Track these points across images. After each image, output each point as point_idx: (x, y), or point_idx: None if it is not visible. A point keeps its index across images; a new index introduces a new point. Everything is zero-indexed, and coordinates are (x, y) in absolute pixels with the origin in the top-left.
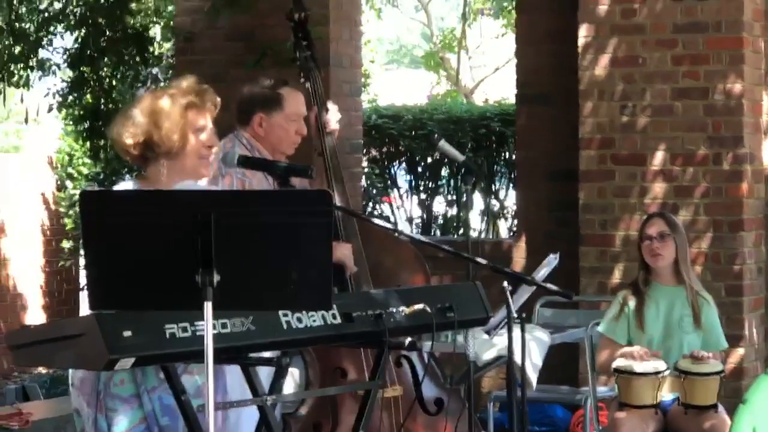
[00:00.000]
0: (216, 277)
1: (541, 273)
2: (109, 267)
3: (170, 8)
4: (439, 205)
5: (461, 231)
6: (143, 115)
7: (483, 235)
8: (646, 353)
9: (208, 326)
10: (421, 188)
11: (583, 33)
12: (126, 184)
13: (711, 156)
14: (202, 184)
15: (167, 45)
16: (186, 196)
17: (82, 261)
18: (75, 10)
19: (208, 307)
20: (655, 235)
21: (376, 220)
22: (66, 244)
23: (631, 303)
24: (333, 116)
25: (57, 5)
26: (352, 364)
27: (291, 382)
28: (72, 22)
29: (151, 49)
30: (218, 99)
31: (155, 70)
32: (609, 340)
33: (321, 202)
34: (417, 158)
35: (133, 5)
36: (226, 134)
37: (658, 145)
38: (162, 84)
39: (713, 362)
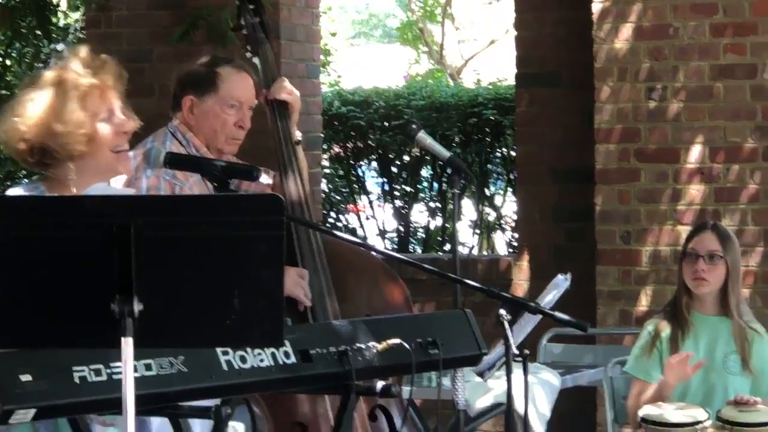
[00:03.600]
0: (137, 306)
1: (548, 298)
2: (2, 295)
3: None
4: (419, 215)
5: (447, 246)
6: (32, 117)
7: (475, 252)
8: (685, 360)
9: (127, 368)
10: (397, 193)
11: None
12: (16, 190)
13: (760, 150)
14: (118, 187)
15: (75, 14)
16: (98, 203)
17: None
18: None
19: (127, 343)
20: (703, 253)
21: (340, 234)
22: None
23: (665, 334)
24: (282, 88)
25: None
26: (314, 416)
27: None
28: None
29: (54, 20)
30: (124, 72)
31: (60, 47)
32: (639, 382)
33: (271, 209)
34: (391, 156)
35: None
36: (156, 126)
37: (695, 137)
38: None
39: (765, 410)
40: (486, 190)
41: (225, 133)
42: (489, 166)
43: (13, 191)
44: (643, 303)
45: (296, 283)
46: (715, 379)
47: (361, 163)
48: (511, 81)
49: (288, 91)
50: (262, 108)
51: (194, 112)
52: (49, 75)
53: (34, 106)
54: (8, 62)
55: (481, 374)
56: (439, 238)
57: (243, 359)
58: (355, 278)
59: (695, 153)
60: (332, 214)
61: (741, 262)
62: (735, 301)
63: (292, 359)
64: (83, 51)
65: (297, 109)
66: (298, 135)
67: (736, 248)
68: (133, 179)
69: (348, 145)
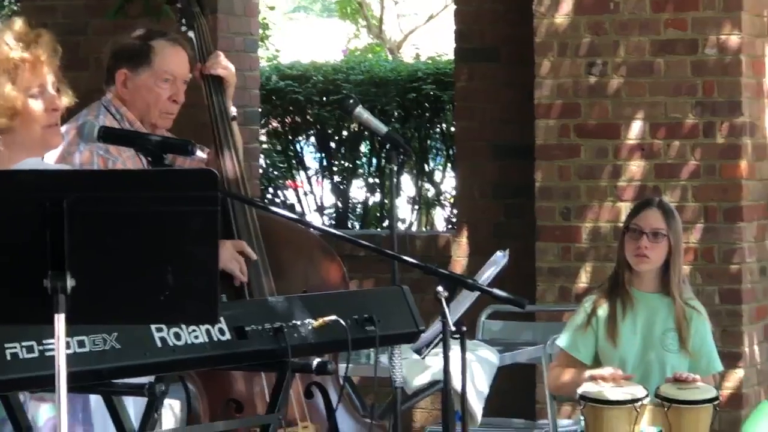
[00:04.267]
0: (70, 282)
1: (487, 275)
2: None
3: None
4: (357, 191)
5: (386, 223)
6: None
7: (413, 228)
8: (620, 376)
9: (60, 344)
10: (335, 169)
11: None
12: None
13: (701, 126)
14: (50, 162)
15: None
16: (31, 178)
17: None
18: None
19: (60, 320)
20: (647, 230)
21: (277, 210)
22: None
23: (602, 311)
24: (217, 63)
25: None
26: (248, 393)
27: (170, 417)
28: None
29: None
30: (58, 47)
31: None
32: (568, 356)
33: (205, 184)
34: (329, 131)
35: None
36: (91, 100)
37: (635, 112)
38: None
39: (704, 387)
40: (425, 166)
41: (159, 107)
42: (428, 141)
43: None
44: (583, 280)
45: (232, 257)
46: (653, 356)
47: (299, 138)
48: (451, 56)
49: (223, 66)
50: (197, 83)
51: (128, 86)
52: None
53: None
54: None
55: (418, 351)
56: (377, 215)
57: (177, 336)
58: (292, 255)
59: (636, 129)
60: (270, 189)
61: (683, 239)
62: (676, 279)
63: (227, 336)
64: (18, 24)
65: (232, 84)
66: (233, 110)
67: (679, 226)
68: (66, 154)
69: (286, 120)
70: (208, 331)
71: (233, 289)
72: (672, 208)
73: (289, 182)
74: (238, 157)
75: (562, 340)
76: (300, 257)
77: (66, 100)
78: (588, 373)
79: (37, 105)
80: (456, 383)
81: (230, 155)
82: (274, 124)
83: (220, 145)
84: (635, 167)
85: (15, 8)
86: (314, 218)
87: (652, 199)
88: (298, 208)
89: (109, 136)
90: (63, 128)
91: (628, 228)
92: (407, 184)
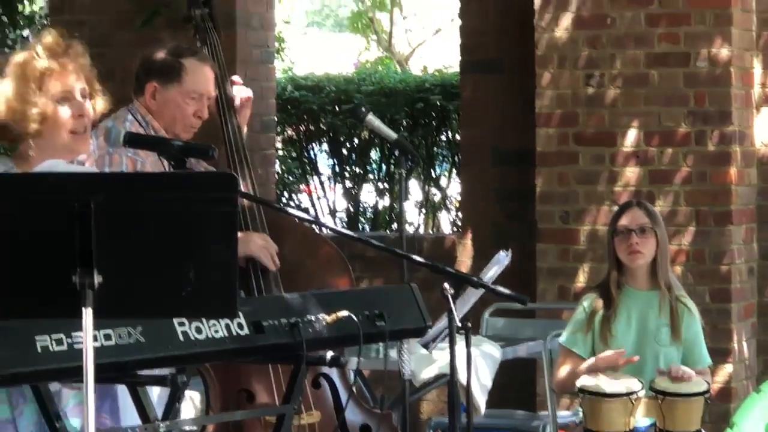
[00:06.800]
0: (97, 278)
1: (490, 273)
2: None
3: None
4: (368, 195)
5: (395, 225)
6: None
7: (421, 230)
8: (621, 354)
9: (87, 337)
10: (347, 174)
11: None
12: None
13: (693, 135)
14: (84, 166)
15: (40, 2)
16: (60, 179)
17: None
18: None
19: (87, 314)
20: (634, 227)
21: (293, 211)
22: None
23: (599, 310)
24: (240, 90)
25: None
26: (260, 384)
27: (190, 407)
28: None
29: (20, 8)
30: (87, 56)
31: (26, 33)
32: (569, 352)
33: (225, 186)
34: (341, 138)
35: None
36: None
37: (630, 121)
38: None
39: (696, 381)
40: (432, 172)
41: (184, 121)
42: (435, 148)
43: None
44: (581, 279)
45: (261, 246)
46: (647, 350)
47: (313, 145)
48: (456, 68)
49: (243, 97)
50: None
51: (156, 98)
52: (13, 58)
53: None
54: None
55: (426, 346)
56: (387, 217)
57: (198, 330)
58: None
59: (631, 137)
60: (285, 194)
61: (669, 237)
62: (664, 272)
63: (246, 330)
64: (48, 36)
65: (248, 108)
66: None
67: (662, 222)
68: (96, 157)
69: (300, 128)
70: (227, 326)
71: (249, 287)
72: (651, 206)
73: (303, 187)
74: (252, 177)
75: (563, 337)
76: (309, 260)
77: (101, 106)
78: (587, 363)
79: (64, 111)
80: (461, 376)
81: (244, 181)
82: (290, 132)
83: (233, 168)
84: (630, 173)
85: (45, 23)
86: (327, 221)
87: (632, 201)
88: (311, 211)
89: (134, 141)
90: (91, 133)
91: (616, 231)
92: (415, 188)
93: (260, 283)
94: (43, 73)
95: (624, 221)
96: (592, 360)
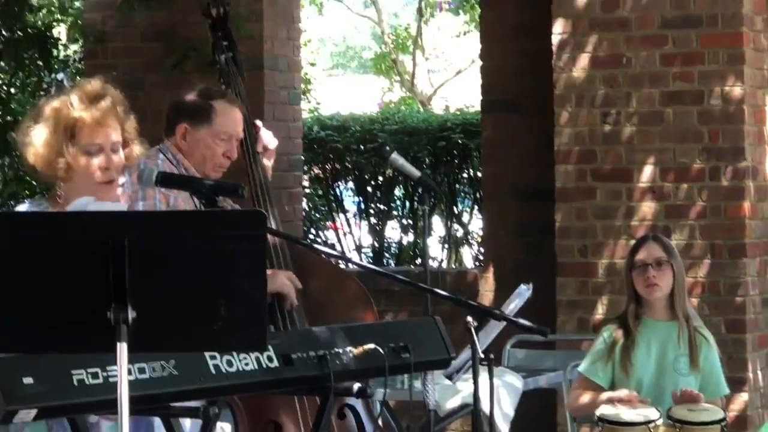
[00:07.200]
0: (131, 314)
1: (512, 306)
2: (5, 302)
3: (77, 4)
4: (392, 231)
5: (419, 260)
6: (29, 142)
7: (444, 265)
8: (636, 398)
9: (122, 371)
10: (372, 211)
11: (558, 29)
12: (23, 207)
13: (707, 170)
14: (116, 203)
15: (74, 46)
16: (95, 218)
17: None
18: None
19: (122, 348)
20: (650, 261)
21: (320, 247)
22: None
23: (619, 341)
24: (267, 137)
25: None
26: (287, 415)
27: None
28: None
29: (55, 52)
30: (123, 104)
31: (60, 76)
32: (588, 381)
33: (254, 224)
34: (366, 176)
35: (34, 1)
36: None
37: (646, 158)
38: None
39: (713, 409)
40: (454, 208)
41: (213, 161)
42: (457, 185)
43: (21, 208)
44: (600, 311)
45: (287, 281)
46: (666, 380)
47: (339, 183)
48: (477, 107)
49: (264, 142)
50: None
51: (187, 138)
52: (49, 104)
53: (31, 133)
54: (12, 90)
55: (449, 377)
56: (411, 253)
57: (229, 363)
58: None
59: (647, 173)
60: (312, 230)
61: (685, 270)
62: (681, 303)
63: (275, 363)
64: (86, 85)
65: (273, 154)
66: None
67: (678, 254)
68: (129, 192)
69: (327, 166)
70: (257, 359)
71: (276, 321)
72: (667, 239)
73: (330, 224)
74: (276, 214)
75: (583, 366)
76: (334, 296)
77: (138, 151)
78: (606, 395)
79: (93, 163)
80: (484, 406)
81: (269, 213)
82: (316, 170)
83: (258, 205)
84: (647, 208)
85: (79, 66)
86: (353, 256)
87: (648, 234)
88: (338, 247)
89: (166, 180)
90: (121, 179)
91: (633, 265)
92: (438, 224)
93: (287, 317)
94: (75, 124)
95: (640, 255)
96: (610, 394)
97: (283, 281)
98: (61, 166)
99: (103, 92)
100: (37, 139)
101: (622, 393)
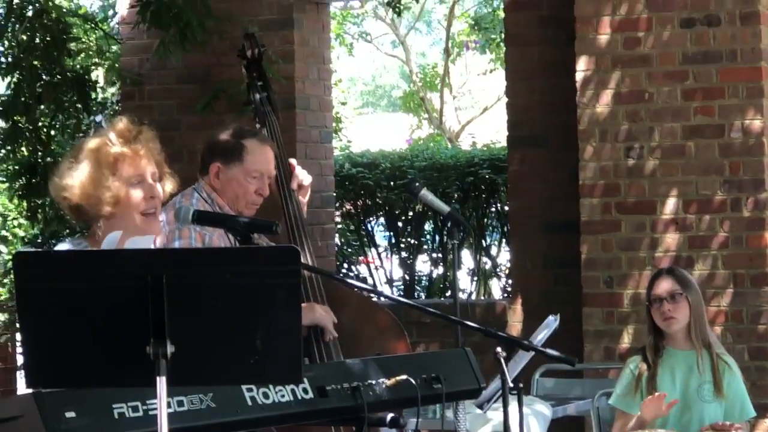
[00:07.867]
0: (170, 349)
1: (540, 337)
2: (47, 339)
3: (114, 48)
4: (422, 265)
5: (449, 293)
6: (71, 180)
7: (473, 297)
8: (660, 399)
9: (162, 404)
10: (402, 246)
11: (582, 66)
12: (63, 246)
13: (729, 202)
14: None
15: (112, 89)
16: (134, 255)
17: (19, 336)
18: (6, 52)
19: (161, 382)
20: (665, 295)
21: (352, 281)
22: (0, 317)
23: (644, 372)
24: (303, 173)
25: None
26: None
27: None
28: (3, 66)
29: (93, 95)
30: (157, 140)
31: (99, 118)
32: (622, 413)
33: (289, 260)
34: (397, 212)
35: (73, 45)
36: (185, 187)
37: (669, 190)
38: None
39: None
40: (483, 242)
41: (246, 199)
42: (485, 219)
43: (60, 246)
44: (626, 341)
45: (323, 315)
46: (692, 407)
47: (370, 218)
48: (504, 143)
49: (299, 179)
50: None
51: (220, 177)
52: (88, 144)
53: (73, 172)
54: (52, 132)
55: (480, 406)
56: (441, 285)
57: (266, 395)
58: (362, 327)
59: (670, 205)
60: (345, 265)
61: (705, 299)
62: (699, 333)
63: (310, 394)
64: (121, 123)
65: (307, 190)
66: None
67: (695, 286)
68: (166, 231)
69: (358, 202)
70: (293, 390)
71: (311, 354)
72: (683, 272)
73: (361, 258)
74: (310, 249)
75: (614, 399)
76: (367, 328)
77: (170, 187)
78: (633, 420)
79: (136, 193)
80: None
81: (303, 248)
82: (348, 206)
83: (294, 241)
84: (670, 239)
85: (117, 108)
86: (385, 290)
87: (662, 269)
88: (370, 281)
89: (202, 218)
90: (161, 216)
91: (650, 300)
92: (467, 257)
93: (322, 350)
94: (116, 158)
95: (656, 290)
96: (638, 413)
97: (321, 313)
98: (108, 199)
99: (138, 128)
100: (80, 176)
101: (648, 398)
